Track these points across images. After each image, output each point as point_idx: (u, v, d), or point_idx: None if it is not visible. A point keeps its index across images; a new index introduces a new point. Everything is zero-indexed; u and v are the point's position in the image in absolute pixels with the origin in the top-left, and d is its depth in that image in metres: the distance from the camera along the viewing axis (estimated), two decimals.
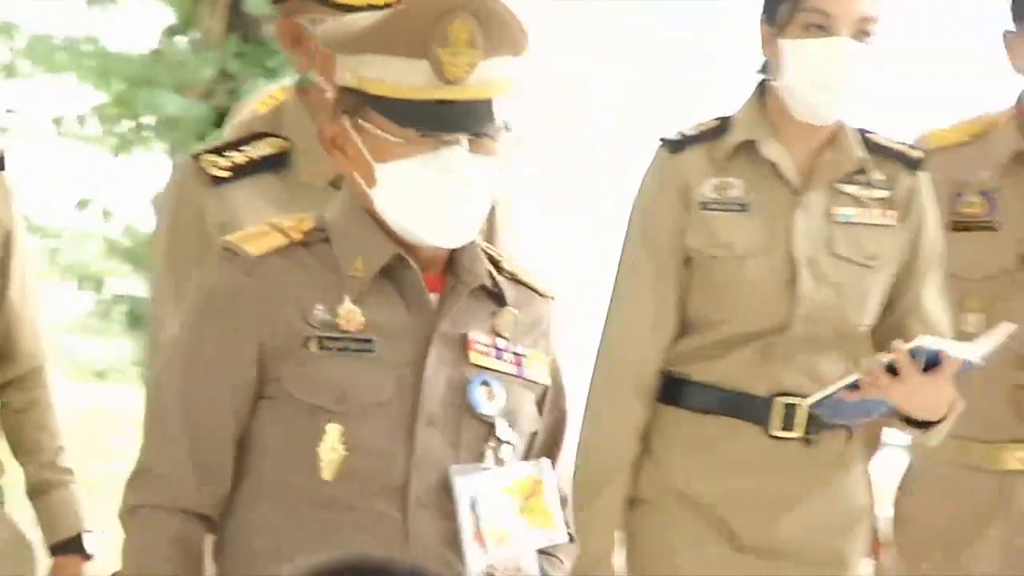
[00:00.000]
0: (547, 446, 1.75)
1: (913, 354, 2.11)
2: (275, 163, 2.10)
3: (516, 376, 1.68)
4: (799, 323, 2.22)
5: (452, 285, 1.64)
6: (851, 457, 2.32)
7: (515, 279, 1.73)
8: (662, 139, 2.34)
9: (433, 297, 1.64)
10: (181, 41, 8.14)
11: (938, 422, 2.20)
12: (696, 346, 2.26)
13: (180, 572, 1.60)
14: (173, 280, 2.07)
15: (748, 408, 2.24)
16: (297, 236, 1.63)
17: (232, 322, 1.62)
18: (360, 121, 1.59)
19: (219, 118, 6.92)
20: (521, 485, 1.66)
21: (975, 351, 2.14)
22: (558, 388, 1.77)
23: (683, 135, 2.32)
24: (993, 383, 2.39)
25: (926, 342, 2.15)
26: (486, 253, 1.70)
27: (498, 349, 1.67)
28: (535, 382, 1.71)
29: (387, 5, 1.70)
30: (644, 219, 2.34)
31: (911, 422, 2.22)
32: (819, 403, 2.15)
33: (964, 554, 2.51)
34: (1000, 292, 2.46)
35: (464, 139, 1.57)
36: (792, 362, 2.23)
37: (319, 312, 1.60)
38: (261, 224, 1.68)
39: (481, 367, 1.65)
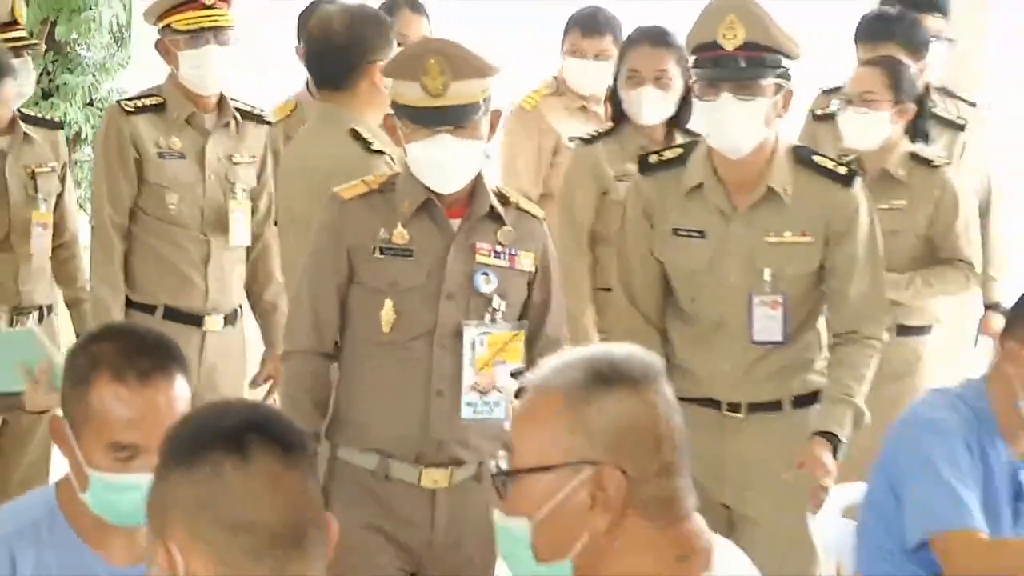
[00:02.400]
0: (540, 308, 2.89)
1: None
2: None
3: (508, 268, 2.80)
4: None
5: (468, 214, 2.79)
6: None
7: (518, 207, 2.88)
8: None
9: (455, 222, 2.78)
10: None
11: None
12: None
13: (319, 387, 2.84)
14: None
15: None
16: (375, 186, 2.83)
17: (332, 239, 2.82)
18: (398, 120, 2.77)
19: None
20: (503, 336, 2.80)
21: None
22: (545, 272, 2.89)
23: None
24: None
25: None
26: (497, 192, 2.85)
27: (496, 252, 2.80)
28: (523, 270, 2.84)
29: None
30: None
31: None
32: None
33: None
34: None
35: (446, 130, 2.69)
36: None
37: (381, 232, 2.76)
38: (357, 180, 2.86)
39: (482, 263, 2.79)
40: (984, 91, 4.81)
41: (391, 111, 2.95)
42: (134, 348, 2.23)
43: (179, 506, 1.55)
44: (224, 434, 1.55)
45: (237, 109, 3.81)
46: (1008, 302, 3.36)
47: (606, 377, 1.74)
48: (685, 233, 3.12)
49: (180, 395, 2.20)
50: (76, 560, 2.25)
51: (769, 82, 3.01)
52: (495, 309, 2.83)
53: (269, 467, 1.53)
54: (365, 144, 3.40)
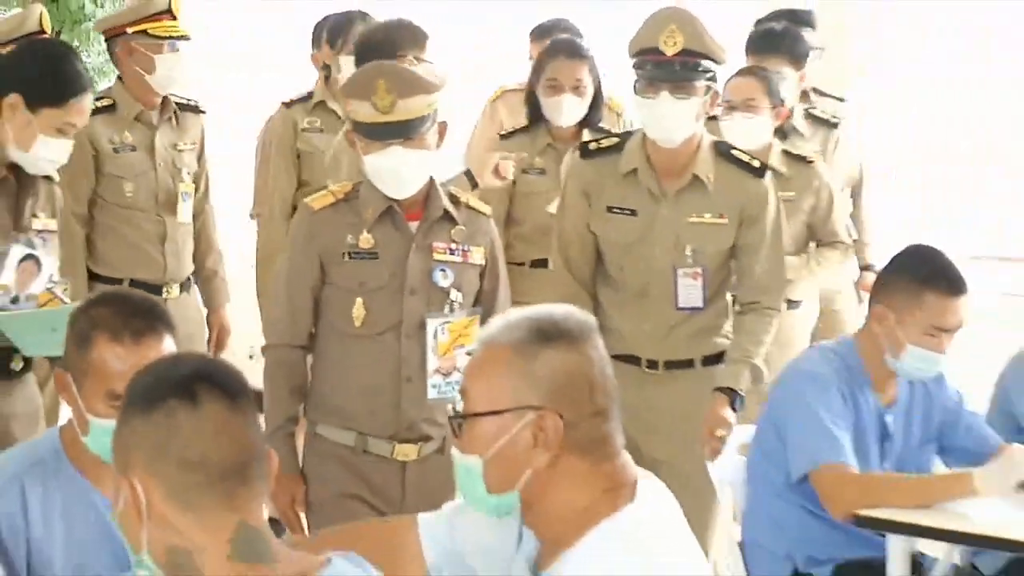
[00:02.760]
0: (490, 294, 3.17)
1: None
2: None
3: (462, 262, 3.08)
4: None
5: (424, 216, 3.05)
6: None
7: (467, 206, 3.15)
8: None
9: (414, 224, 3.05)
10: None
11: None
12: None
13: (295, 376, 3.11)
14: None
15: None
16: (341, 195, 3.09)
17: (305, 244, 3.08)
18: (355, 134, 3.02)
19: None
20: (461, 324, 3.08)
21: None
22: (493, 262, 3.18)
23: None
24: None
25: None
26: (449, 195, 3.12)
27: (451, 249, 3.07)
28: (475, 264, 3.12)
29: None
30: None
31: None
32: None
33: None
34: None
35: (396, 142, 2.94)
36: None
37: (349, 239, 3.02)
38: (325, 191, 3.15)
39: (439, 261, 3.06)
40: (852, 87, 5.43)
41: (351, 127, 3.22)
42: (128, 312, 2.49)
43: (139, 447, 1.69)
44: (177, 383, 1.70)
45: (176, 103, 4.27)
46: (879, 264, 3.85)
47: (548, 334, 1.93)
48: (619, 211, 3.48)
49: (167, 351, 2.43)
50: (77, 492, 2.49)
51: (701, 84, 3.36)
52: (453, 301, 3.13)
53: (216, 412, 1.68)
54: None
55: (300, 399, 3.21)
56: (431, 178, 3.12)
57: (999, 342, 3.72)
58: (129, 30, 4.23)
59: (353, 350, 3.17)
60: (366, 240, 3.10)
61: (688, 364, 3.43)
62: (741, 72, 4.34)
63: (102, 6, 8.11)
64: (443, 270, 3.13)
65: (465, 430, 1.93)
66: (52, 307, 3.28)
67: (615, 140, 3.64)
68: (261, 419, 2.36)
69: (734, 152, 3.55)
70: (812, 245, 4.35)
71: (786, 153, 4.18)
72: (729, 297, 3.61)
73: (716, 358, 3.48)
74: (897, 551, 3.07)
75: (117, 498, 1.78)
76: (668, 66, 3.37)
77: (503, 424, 1.89)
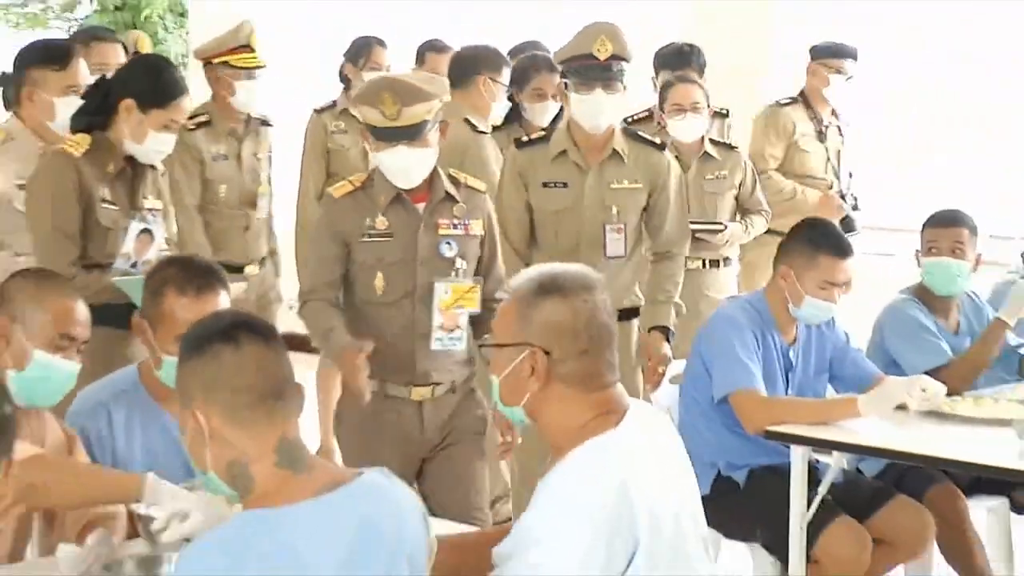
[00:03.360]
0: (489, 259, 3.50)
1: None
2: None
3: (464, 235, 3.42)
4: None
5: (429, 199, 3.41)
6: None
7: (466, 185, 3.48)
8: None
9: (420, 206, 3.40)
10: None
11: None
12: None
13: (324, 309, 3.42)
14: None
15: None
16: (357, 184, 3.45)
17: (329, 228, 3.44)
18: (367, 135, 3.38)
19: None
20: (463, 287, 3.40)
21: None
22: (490, 232, 3.50)
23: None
24: None
25: None
26: (450, 176, 3.45)
27: (454, 224, 3.42)
28: (475, 235, 3.45)
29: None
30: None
31: None
32: None
33: None
34: None
35: (402, 143, 3.27)
36: None
37: (367, 221, 3.38)
38: (344, 181, 3.53)
39: (444, 235, 3.40)
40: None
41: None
42: (192, 272, 2.92)
43: (197, 383, 1.95)
44: (221, 331, 1.97)
45: (254, 118, 4.90)
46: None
47: (546, 288, 2.24)
48: (553, 185, 4.05)
49: (222, 304, 2.85)
50: (152, 414, 2.91)
51: (623, 81, 3.94)
52: (458, 268, 3.46)
53: (254, 350, 1.95)
54: (473, 127, 4.72)
55: (335, 318, 3.47)
56: (434, 166, 3.43)
57: (878, 296, 4.23)
58: (214, 60, 4.81)
59: (375, 314, 3.50)
60: (381, 222, 3.45)
61: None
62: (683, 81, 4.98)
63: (171, 32, 9.22)
64: (448, 243, 3.49)
65: (490, 355, 2.32)
66: None
67: (542, 134, 4.26)
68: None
69: (640, 133, 4.21)
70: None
71: (714, 141, 4.87)
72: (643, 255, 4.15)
73: (630, 313, 4.01)
74: (798, 458, 3.52)
75: (184, 429, 2.04)
76: (601, 68, 3.93)
77: (509, 355, 2.20)
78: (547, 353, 2.19)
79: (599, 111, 4.02)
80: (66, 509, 2.71)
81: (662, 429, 2.44)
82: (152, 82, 3.77)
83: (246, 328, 2.01)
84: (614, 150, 4.10)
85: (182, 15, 8.84)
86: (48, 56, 3.97)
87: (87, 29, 4.73)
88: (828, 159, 5.60)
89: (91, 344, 2.90)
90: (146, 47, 5.55)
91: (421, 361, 3.50)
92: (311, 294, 3.50)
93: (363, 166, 4.53)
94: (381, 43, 5.42)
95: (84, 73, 3.95)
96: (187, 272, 2.95)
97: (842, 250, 3.68)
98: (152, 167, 3.88)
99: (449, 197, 3.49)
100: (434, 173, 3.45)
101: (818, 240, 3.69)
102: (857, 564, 3.66)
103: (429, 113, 3.40)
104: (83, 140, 3.70)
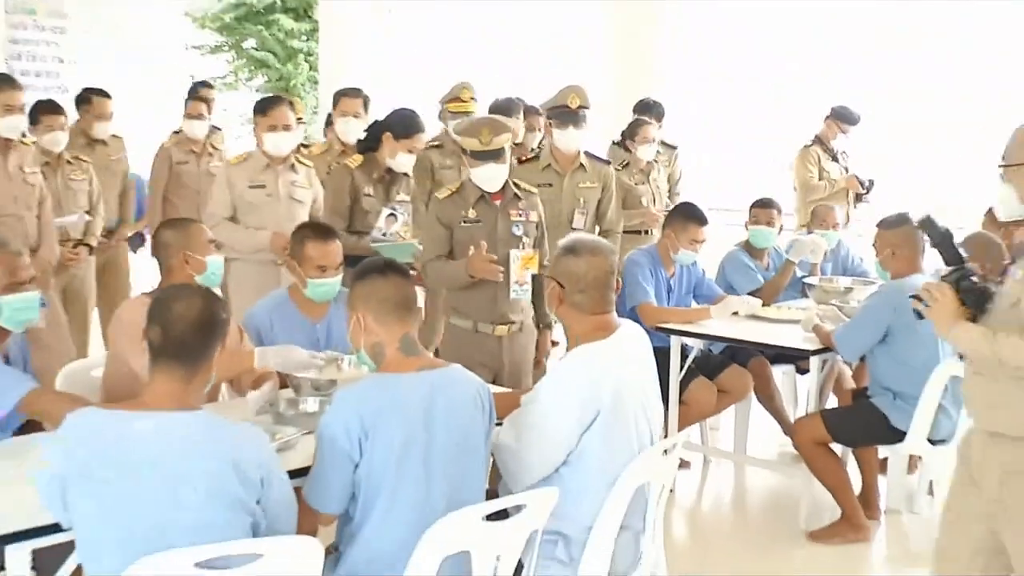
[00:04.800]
0: (540, 238, 4.16)
1: None
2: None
3: (526, 220, 4.12)
4: None
5: (503, 198, 4.07)
6: None
7: (525, 190, 4.19)
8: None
9: (497, 202, 4.08)
10: None
11: None
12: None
13: (440, 261, 4.12)
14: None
15: None
16: (454, 190, 4.19)
17: (438, 219, 4.11)
18: (465, 155, 4.06)
19: None
20: (527, 255, 4.08)
21: None
22: (540, 219, 4.18)
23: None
24: None
25: None
26: (514, 183, 4.13)
27: (519, 214, 4.13)
28: (533, 221, 4.16)
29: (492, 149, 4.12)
30: None
31: None
32: None
33: None
34: None
35: (491, 161, 3.98)
36: None
37: (462, 213, 4.08)
38: (445, 188, 4.22)
39: (514, 221, 4.08)
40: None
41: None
42: (319, 230, 3.81)
43: (360, 297, 2.62)
44: (377, 267, 2.66)
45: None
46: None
47: (569, 249, 2.84)
48: (543, 185, 4.87)
49: (337, 250, 3.71)
50: (297, 319, 3.75)
51: (588, 122, 5.07)
52: (524, 243, 4.13)
53: (395, 279, 2.62)
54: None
55: (447, 262, 4.12)
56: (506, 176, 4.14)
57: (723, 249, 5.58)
58: (440, 104, 5.95)
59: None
60: (472, 214, 4.15)
61: None
62: (645, 123, 6.47)
63: (308, 93, 12.07)
64: (517, 226, 4.17)
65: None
66: (400, 242, 4.89)
67: (533, 154, 5.35)
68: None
69: (593, 154, 5.29)
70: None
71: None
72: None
73: None
74: (675, 344, 4.70)
75: (349, 325, 2.66)
76: (573, 114, 5.07)
77: (549, 285, 2.90)
78: (562, 287, 2.86)
79: (571, 141, 5.14)
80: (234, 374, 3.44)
81: (639, 344, 2.96)
82: (402, 122, 4.92)
83: (390, 268, 2.64)
84: (580, 163, 5.14)
85: (315, 83, 11.69)
86: (258, 107, 5.01)
87: (271, 97, 5.39)
88: (842, 169, 7.35)
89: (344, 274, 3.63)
90: (299, 104, 6.51)
91: (502, 306, 4.15)
92: (429, 260, 4.23)
93: (456, 178, 5.09)
94: (467, 86, 6.17)
95: (282, 118, 4.90)
96: (316, 230, 3.85)
97: (702, 220, 4.97)
98: (404, 174, 5.01)
99: (515, 196, 4.22)
100: (507, 180, 4.19)
101: (688, 214, 5.01)
102: (708, 405, 4.98)
103: (508, 141, 4.12)
104: (358, 158, 4.93)
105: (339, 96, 5.96)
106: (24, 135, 5.41)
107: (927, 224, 2.98)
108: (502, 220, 4.15)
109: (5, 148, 5.17)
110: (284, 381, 3.34)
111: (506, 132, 4.08)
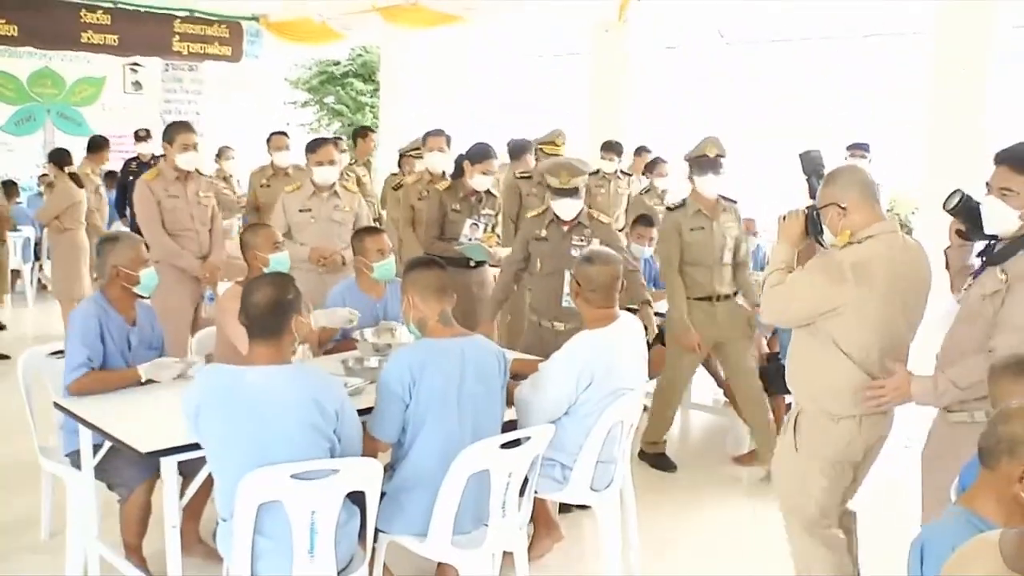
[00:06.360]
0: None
1: None
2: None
3: (587, 244, 4.59)
4: None
5: (571, 224, 4.73)
6: None
7: (597, 220, 4.79)
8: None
9: (566, 227, 4.74)
10: None
11: None
12: None
13: (504, 281, 5.01)
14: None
15: None
16: (538, 213, 4.87)
17: (523, 236, 4.86)
18: (548, 191, 4.72)
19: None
20: None
21: None
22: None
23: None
24: None
25: None
26: (590, 214, 4.77)
27: (581, 239, 4.70)
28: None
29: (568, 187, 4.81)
30: None
31: None
32: None
33: None
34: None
35: (569, 196, 4.65)
36: None
37: (538, 232, 4.78)
38: (534, 211, 4.99)
39: (575, 244, 4.68)
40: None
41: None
42: (369, 230, 4.57)
43: (410, 282, 3.14)
44: (423, 263, 3.20)
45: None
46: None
47: (587, 258, 3.46)
48: (695, 228, 5.24)
49: (384, 240, 4.45)
50: (360, 296, 4.49)
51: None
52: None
53: (437, 271, 3.16)
54: (523, 178, 6.47)
55: (511, 289, 4.83)
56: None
57: None
58: (535, 145, 6.92)
59: (540, 282, 4.70)
60: (543, 233, 4.73)
61: None
62: (609, 158, 7.67)
63: (372, 99, 13.99)
64: (576, 249, 4.62)
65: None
66: (476, 244, 5.64)
67: (542, 210, 5.04)
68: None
69: (726, 196, 5.31)
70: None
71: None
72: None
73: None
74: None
75: (402, 304, 3.16)
76: (712, 162, 5.19)
77: (572, 282, 3.48)
78: (579, 285, 3.46)
79: (711, 187, 5.30)
80: None
81: (634, 332, 3.46)
82: (476, 151, 5.61)
83: (433, 263, 3.12)
84: (724, 207, 5.30)
85: (375, 118, 14.70)
86: (309, 146, 5.66)
87: (319, 138, 6.00)
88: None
89: None
90: (370, 137, 7.62)
91: (559, 308, 4.65)
92: (506, 266, 4.89)
93: (539, 204, 5.68)
94: (560, 133, 7.46)
95: (327, 155, 5.59)
96: (367, 230, 4.59)
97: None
98: (488, 192, 5.69)
99: (581, 224, 4.74)
100: (580, 211, 4.74)
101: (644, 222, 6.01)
102: (658, 366, 5.32)
103: (582, 180, 4.69)
104: (445, 183, 5.62)
105: (427, 136, 6.57)
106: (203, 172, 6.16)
107: (803, 157, 3.47)
108: (565, 242, 4.73)
109: (185, 178, 5.78)
110: (353, 345, 4.10)
111: (582, 175, 4.68)
